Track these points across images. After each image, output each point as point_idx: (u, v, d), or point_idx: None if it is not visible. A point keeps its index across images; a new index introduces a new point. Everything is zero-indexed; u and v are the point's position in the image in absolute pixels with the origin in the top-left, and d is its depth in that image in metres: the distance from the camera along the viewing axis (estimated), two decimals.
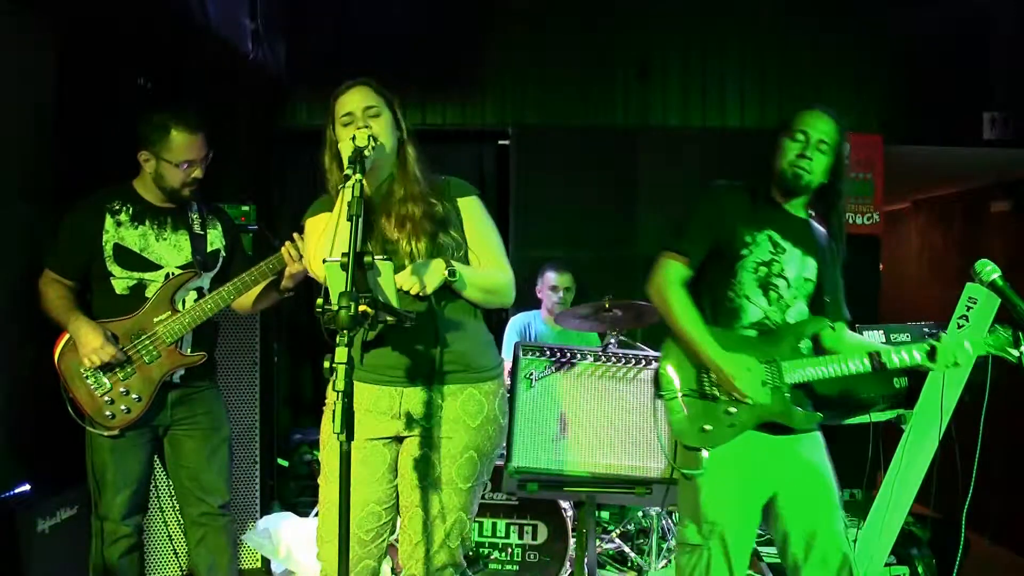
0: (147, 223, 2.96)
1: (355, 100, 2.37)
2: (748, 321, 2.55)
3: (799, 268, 2.59)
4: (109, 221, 2.92)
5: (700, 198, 2.66)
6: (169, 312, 2.91)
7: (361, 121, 2.34)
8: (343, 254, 1.99)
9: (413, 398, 2.33)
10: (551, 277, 4.67)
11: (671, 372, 2.55)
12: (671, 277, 2.55)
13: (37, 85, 3.36)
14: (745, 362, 2.47)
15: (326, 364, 1.92)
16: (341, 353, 1.90)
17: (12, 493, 3.03)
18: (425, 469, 2.32)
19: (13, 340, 3.13)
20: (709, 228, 2.57)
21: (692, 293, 2.55)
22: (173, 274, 2.95)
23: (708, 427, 2.48)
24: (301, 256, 2.74)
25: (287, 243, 2.82)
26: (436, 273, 2.27)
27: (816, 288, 2.63)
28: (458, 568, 2.39)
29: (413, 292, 2.24)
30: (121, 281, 2.91)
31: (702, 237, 2.57)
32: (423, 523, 2.32)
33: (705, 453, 2.46)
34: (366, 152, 2.19)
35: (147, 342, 2.88)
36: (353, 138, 2.23)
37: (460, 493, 2.34)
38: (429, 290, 2.26)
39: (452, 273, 2.28)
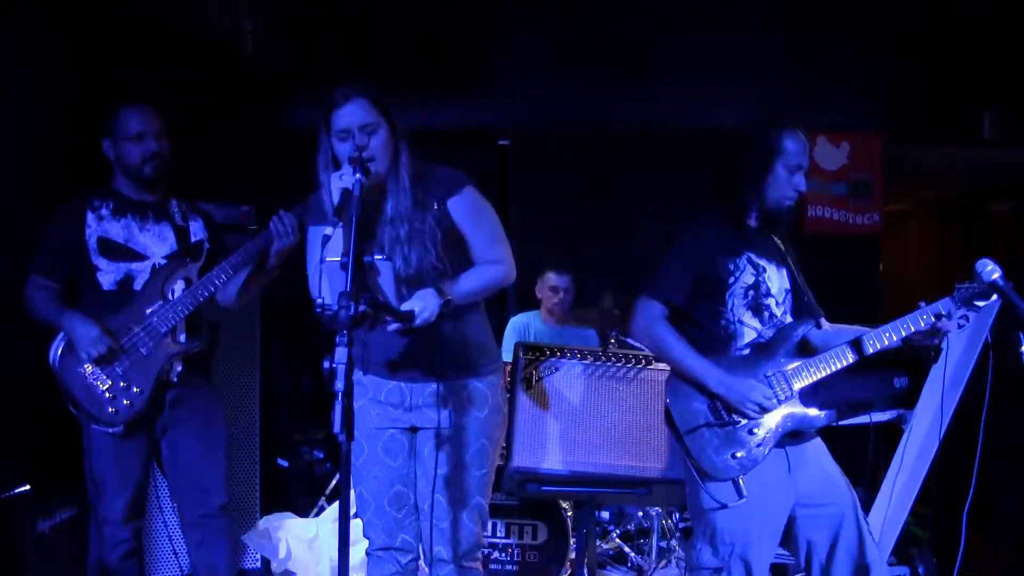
0: (129, 216, 2.97)
1: (352, 117, 2.32)
2: (743, 343, 2.54)
3: (780, 281, 2.60)
4: (91, 217, 2.93)
5: (677, 238, 2.59)
6: (161, 302, 2.89)
7: (359, 140, 2.30)
8: (343, 254, 2.00)
9: (422, 392, 2.44)
10: (551, 278, 4.68)
11: (683, 409, 2.50)
12: (654, 315, 2.53)
13: (38, 85, 3.36)
14: (749, 379, 2.46)
15: (326, 364, 1.93)
16: (341, 353, 1.91)
17: (12, 493, 3.03)
18: (442, 459, 2.44)
19: (13, 340, 3.13)
20: (692, 267, 2.53)
21: (682, 330, 2.53)
22: (159, 264, 2.95)
23: (740, 453, 2.44)
24: (290, 231, 2.60)
25: (273, 218, 2.77)
26: (431, 309, 2.26)
27: (795, 293, 2.63)
28: (480, 550, 2.53)
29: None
30: (108, 275, 2.91)
31: (685, 279, 2.53)
32: (444, 510, 2.45)
33: (742, 480, 2.42)
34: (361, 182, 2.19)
35: (142, 334, 2.86)
36: (341, 176, 2.21)
37: (476, 479, 2.47)
38: (428, 320, 2.26)
39: (446, 304, 2.29)
